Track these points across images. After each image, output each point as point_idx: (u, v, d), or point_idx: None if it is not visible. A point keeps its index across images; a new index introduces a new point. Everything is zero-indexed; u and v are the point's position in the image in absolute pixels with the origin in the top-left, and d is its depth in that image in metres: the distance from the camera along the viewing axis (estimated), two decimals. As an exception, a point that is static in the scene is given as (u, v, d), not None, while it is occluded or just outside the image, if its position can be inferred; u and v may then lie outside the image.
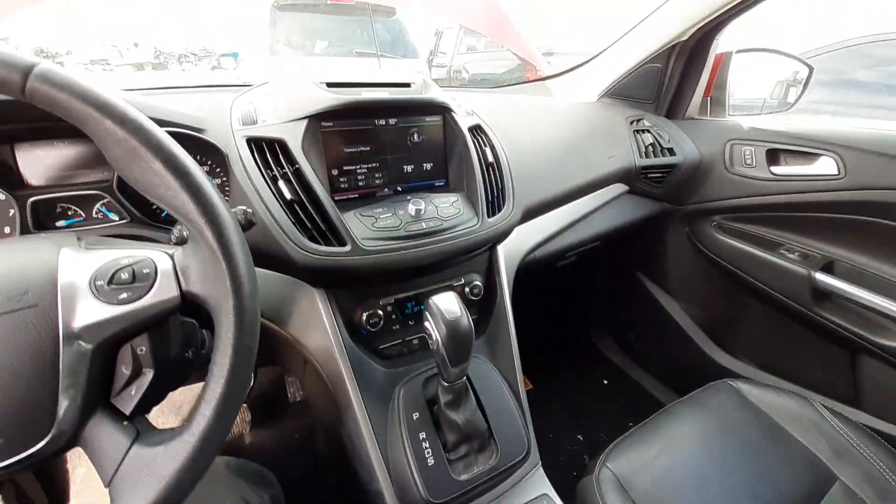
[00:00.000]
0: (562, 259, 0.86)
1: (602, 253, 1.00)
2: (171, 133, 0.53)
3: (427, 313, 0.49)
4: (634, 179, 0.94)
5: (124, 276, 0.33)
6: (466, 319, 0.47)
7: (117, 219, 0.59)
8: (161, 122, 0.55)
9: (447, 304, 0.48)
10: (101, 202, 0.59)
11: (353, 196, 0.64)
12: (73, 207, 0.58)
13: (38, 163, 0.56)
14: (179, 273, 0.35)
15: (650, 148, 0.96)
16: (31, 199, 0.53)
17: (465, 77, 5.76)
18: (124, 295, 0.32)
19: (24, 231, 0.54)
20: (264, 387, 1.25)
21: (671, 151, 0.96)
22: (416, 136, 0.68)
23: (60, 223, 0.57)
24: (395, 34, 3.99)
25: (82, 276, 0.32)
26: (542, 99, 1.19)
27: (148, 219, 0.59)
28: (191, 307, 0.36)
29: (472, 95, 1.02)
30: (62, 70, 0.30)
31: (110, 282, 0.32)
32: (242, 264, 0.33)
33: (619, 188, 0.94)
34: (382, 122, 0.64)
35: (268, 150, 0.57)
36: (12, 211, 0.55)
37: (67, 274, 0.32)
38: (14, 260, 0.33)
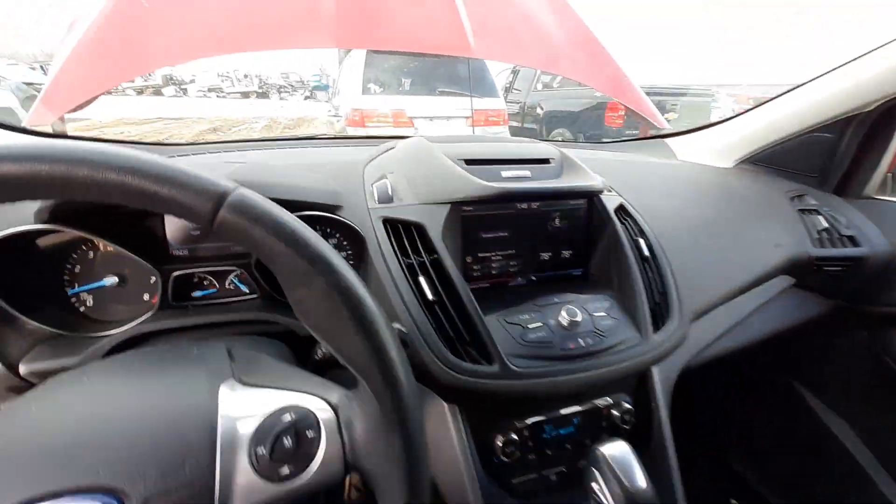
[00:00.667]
0: (717, 365, 0.71)
1: (752, 355, 0.83)
2: (307, 217, 0.51)
3: (595, 471, 0.39)
4: (804, 272, 0.77)
5: (287, 442, 0.27)
6: (653, 494, 0.36)
7: (247, 291, 0.57)
8: (299, 205, 0.53)
9: (628, 467, 0.37)
10: (234, 274, 0.57)
11: (484, 285, 0.57)
12: (210, 278, 0.57)
13: (184, 235, 0.56)
14: (344, 432, 0.29)
15: (824, 234, 0.78)
16: (175, 274, 0.53)
17: (539, 113, 5.74)
18: (286, 470, 0.26)
19: (164, 301, 0.53)
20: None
21: (852, 240, 0.78)
22: (557, 220, 0.60)
23: (196, 293, 0.56)
24: (476, 72, 4.11)
25: (242, 437, 0.27)
26: (668, 162, 1.06)
27: (277, 295, 0.56)
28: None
29: (585, 153, 0.93)
30: (257, 198, 0.26)
31: (272, 452, 0.26)
32: (422, 452, 0.26)
33: (784, 280, 0.77)
34: (525, 206, 0.57)
35: (405, 234, 0.52)
36: (154, 279, 0.55)
37: (227, 435, 0.27)
38: (170, 406, 0.28)
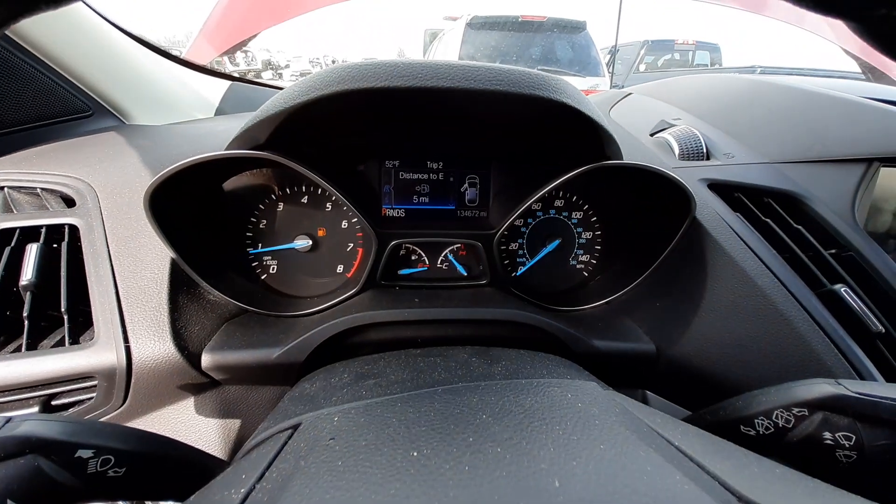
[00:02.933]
0: None
1: None
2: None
3: None
4: None
5: None
6: None
7: (465, 273, 0.41)
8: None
9: None
10: (451, 249, 0.42)
11: None
12: (419, 252, 0.42)
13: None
14: None
15: None
16: (394, 242, 0.38)
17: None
18: None
19: (371, 277, 0.38)
20: None
21: None
22: None
23: (403, 271, 0.41)
24: (578, 50, 3.78)
25: None
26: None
27: (508, 279, 0.39)
28: None
29: None
30: None
31: None
32: None
33: None
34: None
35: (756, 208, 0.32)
36: (350, 246, 0.41)
37: None
38: None
